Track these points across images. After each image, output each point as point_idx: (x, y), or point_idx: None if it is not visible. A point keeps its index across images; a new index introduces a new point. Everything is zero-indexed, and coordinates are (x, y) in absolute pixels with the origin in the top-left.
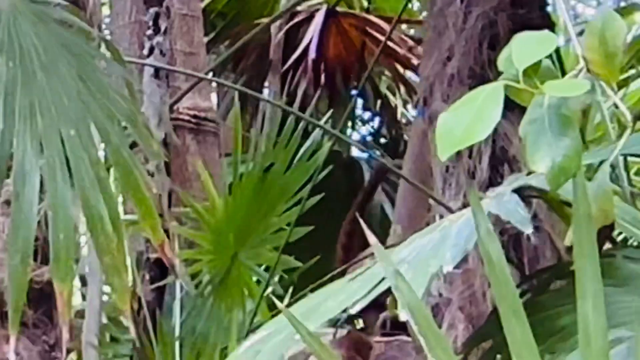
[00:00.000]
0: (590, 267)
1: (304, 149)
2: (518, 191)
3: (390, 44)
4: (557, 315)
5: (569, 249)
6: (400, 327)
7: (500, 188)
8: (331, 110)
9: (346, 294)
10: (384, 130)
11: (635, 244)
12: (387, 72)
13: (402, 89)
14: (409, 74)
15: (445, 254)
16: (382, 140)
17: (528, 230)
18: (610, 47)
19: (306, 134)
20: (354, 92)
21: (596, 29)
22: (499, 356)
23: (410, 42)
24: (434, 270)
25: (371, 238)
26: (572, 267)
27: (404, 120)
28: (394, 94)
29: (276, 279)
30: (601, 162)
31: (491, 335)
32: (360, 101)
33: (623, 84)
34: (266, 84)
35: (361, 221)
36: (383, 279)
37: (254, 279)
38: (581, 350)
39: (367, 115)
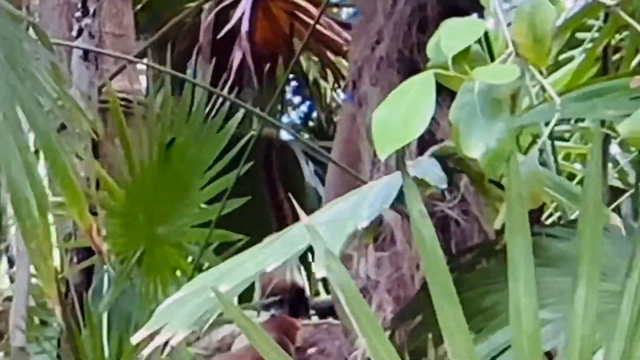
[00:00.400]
0: (522, 247)
1: (209, 121)
2: (441, 162)
3: (319, 27)
4: (482, 294)
5: (497, 232)
6: (327, 312)
7: (422, 157)
8: (260, 94)
9: (264, 255)
10: (314, 114)
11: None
12: (315, 57)
13: (331, 74)
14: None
15: (362, 213)
16: (313, 124)
17: (442, 185)
18: (539, 32)
19: (242, 121)
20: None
21: (525, 14)
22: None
23: (338, 27)
24: (350, 230)
25: (304, 218)
26: (498, 246)
27: (333, 104)
28: (324, 78)
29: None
30: (529, 148)
31: (418, 314)
32: (290, 85)
33: (553, 69)
34: None
35: (296, 204)
36: (300, 241)
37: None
38: (512, 329)
39: (297, 99)
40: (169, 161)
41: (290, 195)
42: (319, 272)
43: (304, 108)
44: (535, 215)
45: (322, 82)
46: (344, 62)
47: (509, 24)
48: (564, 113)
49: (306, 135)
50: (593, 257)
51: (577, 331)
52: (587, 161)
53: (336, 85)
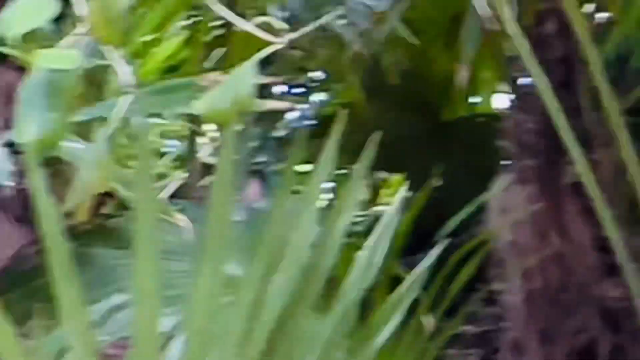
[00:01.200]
0: (147, 228)
1: None
2: None
3: None
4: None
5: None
6: None
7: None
8: None
9: None
10: None
11: None
12: None
13: None
14: None
15: None
16: None
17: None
18: (113, 12)
19: None
20: None
21: None
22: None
23: None
24: None
25: None
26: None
27: None
28: None
29: None
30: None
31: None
32: None
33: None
34: None
35: None
36: None
37: None
38: (135, 306)
39: None
40: None
41: None
42: None
43: None
44: (102, 201)
45: None
46: None
47: None
48: (141, 106)
49: None
50: (220, 243)
51: (198, 313)
52: (220, 148)
53: None
